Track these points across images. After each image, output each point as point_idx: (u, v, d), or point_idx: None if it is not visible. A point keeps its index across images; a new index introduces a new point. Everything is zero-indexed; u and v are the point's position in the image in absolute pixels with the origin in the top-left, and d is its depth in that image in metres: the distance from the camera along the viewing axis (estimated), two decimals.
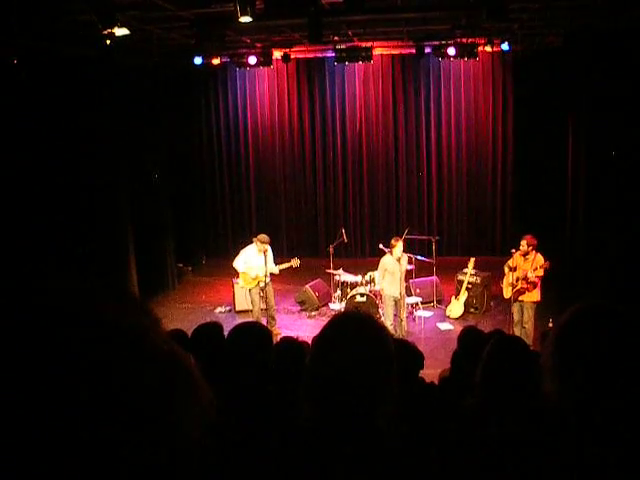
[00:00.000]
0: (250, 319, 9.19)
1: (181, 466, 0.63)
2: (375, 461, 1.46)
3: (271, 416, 2.60)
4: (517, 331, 8.60)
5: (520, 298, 8.72)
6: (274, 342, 3.67)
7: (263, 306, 9.97)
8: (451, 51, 11.39)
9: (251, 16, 6.97)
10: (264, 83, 14.38)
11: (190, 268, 13.78)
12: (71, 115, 9.60)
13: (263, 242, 9.66)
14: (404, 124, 14.19)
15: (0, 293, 0.63)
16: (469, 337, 4.46)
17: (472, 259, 10.89)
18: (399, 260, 9.24)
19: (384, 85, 14.08)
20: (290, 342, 4.11)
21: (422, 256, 10.91)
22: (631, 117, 9.39)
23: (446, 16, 9.51)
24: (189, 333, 4.23)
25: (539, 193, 12.67)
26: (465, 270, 10.82)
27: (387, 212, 14.53)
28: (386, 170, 14.37)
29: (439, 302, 11.24)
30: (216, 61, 12.60)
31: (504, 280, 8.99)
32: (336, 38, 10.98)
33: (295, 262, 10.18)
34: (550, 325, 7.96)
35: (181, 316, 10.52)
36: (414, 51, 12.21)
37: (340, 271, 10.87)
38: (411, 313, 10.59)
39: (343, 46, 11.81)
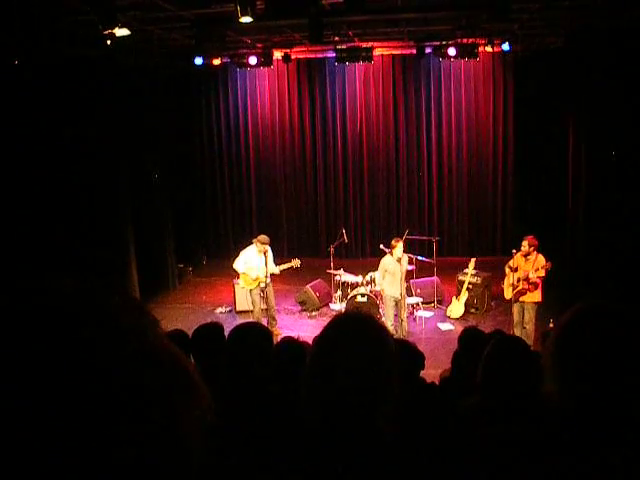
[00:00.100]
0: (251, 319, 9.18)
1: (180, 468, 0.63)
2: (376, 461, 1.46)
3: (272, 416, 2.60)
4: (517, 332, 8.59)
5: (521, 299, 8.71)
6: (275, 342, 3.67)
7: (264, 306, 9.98)
8: (452, 51, 11.39)
9: (251, 16, 6.97)
10: (264, 83, 14.38)
11: (191, 268, 13.78)
12: (71, 115, 9.61)
13: (263, 243, 9.66)
14: (404, 124, 14.19)
15: (0, 293, 0.63)
16: (470, 337, 4.45)
17: (473, 259, 10.89)
18: (399, 261, 9.24)
19: (385, 85, 14.08)
20: (291, 342, 4.11)
21: (423, 256, 10.91)
22: (631, 117, 9.39)
23: (447, 16, 9.51)
24: (190, 333, 4.23)
25: (539, 193, 12.67)
26: (466, 270, 10.82)
27: (387, 212, 14.53)
28: (387, 170, 14.37)
29: (440, 302, 11.23)
30: (216, 61, 12.61)
31: (505, 281, 8.98)
32: (337, 38, 10.97)
33: (295, 262, 10.18)
34: (551, 325, 7.95)
35: (181, 316, 10.52)
36: (415, 51, 12.21)
37: (341, 271, 10.87)
38: (412, 313, 10.59)
39: (344, 46, 11.81)
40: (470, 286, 10.69)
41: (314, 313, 11.02)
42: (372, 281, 10.32)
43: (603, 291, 8.92)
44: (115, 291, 0.68)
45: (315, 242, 14.58)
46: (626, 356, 1.38)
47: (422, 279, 11.34)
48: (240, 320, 9.30)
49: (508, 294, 8.87)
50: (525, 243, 8.59)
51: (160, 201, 12.56)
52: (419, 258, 10.71)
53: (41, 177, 8.98)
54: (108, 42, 8.01)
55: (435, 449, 1.90)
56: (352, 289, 10.59)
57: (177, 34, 10.03)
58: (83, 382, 0.56)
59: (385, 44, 12.61)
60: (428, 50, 12.14)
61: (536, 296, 8.66)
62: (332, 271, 11.00)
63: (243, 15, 6.93)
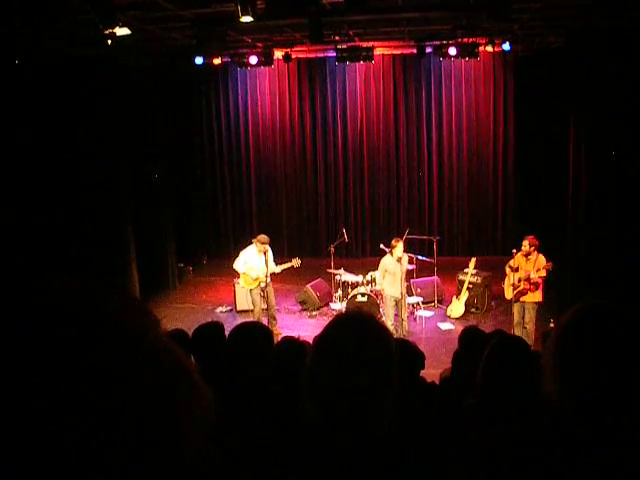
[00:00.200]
0: (251, 319, 9.20)
1: (181, 467, 0.63)
2: (376, 460, 1.46)
3: (272, 415, 2.60)
4: (517, 332, 8.58)
5: (522, 299, 8.70)
6: (275, 342, 3.67)
7: (264, 306, 9.98)
8: (452, 51, 11.39)
9: (252, 16, 6.97)
10: (265, 83, 14.38)
11: (191, 268, 13.79)
12: (72, 115, 9.61)
13: (263, 243, 9.66)
14: (405, 124, 14.19)
15: (0, 293, 0.63)
16: (470, 337, 4.45)
17: (473, 259, 10.89)
18: (399, 260, 9.24)
19: (385, 85, 14.08)
20: (291, 342, 4.11)
21: (423, 256, 10.91)
22: (632, 117, 9.38)
23: (447, 16, 9.50)
24: (190, 333, 4.23)
25: (540, 193, 12.66)
26: (466, 270, 10.82)
27: (388, 212, 14.54)
28: (387, 170, 14.38)
29: (440, 302, 11.23)
30: (217, 61, 12.61)
31: (505, 281, 8.98)
32: (337, 38, 10.97)
33: (296, 262, 10.18)
34: (551, 325, 7.96)
35: (182, 316, 10.53)
36: (415, 51, 12.20)
37: (341, 271, 10.87)
38: (412, 313, 10.59)
39: (344, 46, 11.80)
40: (470, 286, 10.69)
41: (314, 313, 11.02)
42: (372, 281, 10.32)
43: (603, 291, 8.91)
44: (116, 291, 0.68)
45: (315, 241, 14.58)
46: (626, 356, 1.38)
47: (422, 279, 11.34)
48: (240, 320, 9.29)
49: (509, 294, 8.87)
50: (526, 243, 8.58)
51: (160, 201, 12.56)
52: (419, 257, 10.71)
53: (41, 177, 8.98)
54: (108, 42, 8.01)
55: (435, 449, 1.90)
56: (352, 289, 10.59)
57: (177, 34, 10.02)
58: (83, 382, 0.56)
59: (385, 44, 12.60)
60: (428, 50, 12.13)
61: (537, 296, 8.66)
62: (332, 271, 11.00)
63: (243, 14, 6.93)
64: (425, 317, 10.56)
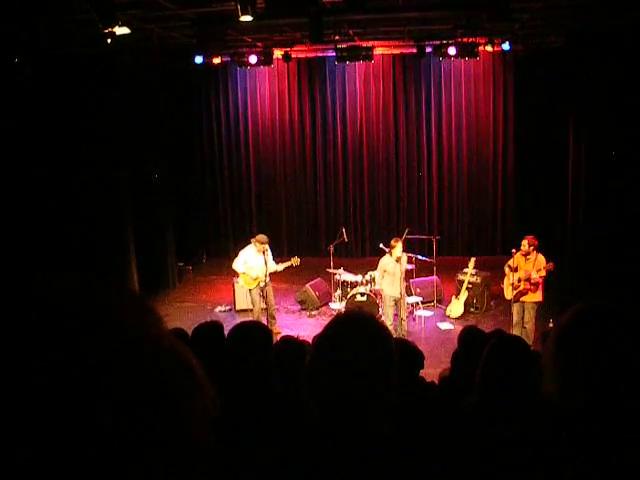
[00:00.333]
0: (250, 318, 9.19)
1: (186, 465, 0.63)
2: (375, 460, 1.46)
3: (271, 415, 2.60)
4: (517, 332, 8.57)
5: (522, 299, 8.70)
6: (274, 341, 3.67)
7: (263, 305, 9.98)
8: (452, 51, 11.39)
9: (252, 15, 6.97)
10: (265, 82, 14.38)
11: (190, 267, 13.78)
12: (72, 114, 9.60)
13: (262, 242, 9.65)
14: (405, 124, 14.19)
15: (1, 292, 0.63)
16: (469, 337, 4.45)
17: (472, 259, 10.89)
18: (399, 260, 9.24)
19: (385, 85, 14.08)
20: (290, 341, 4.11)
21: (422, 256, 10.90)
22: (632, 117, 9.39)
23: (447, 16, 9.51)
24: (189, 332, 4.24)
25: (539, 193, 12.66)
26: (465, 270, 10.82)
27: (387, 211, 14.54)
28: (387, 169, 14.38)
29: (439, 302, 11.23)
30: (217, 60, 12.60)
31: (505, 280, 8.97)
32: (337, 37, 10.96)
33: (295, 260, 10.17)
34: (550, 325, 7.95)
35: (181, 315, 10.53)
36: (415, 51, 12.20)
37: (340, 270, 10.87)
38: (411, 313, 10.59)
39: (344, 45, 11.80)
40: (470, 285, 10.69)
41: (314, 312, 11.02)
42: (372, 280, 10.32)
43: (603, 291, 8.92)
44: (117, 288, 0.68)
45: (315, 241, 14.58)
46: (626, 356, 1.38)
47: (422, 278, 11.34)
48: (240, 319, 9.30)
49: (508, 294, 8.86)
50: (525, 242, 8.57)
51: (161, 200, 12.56)
52: (419, 257, 10.71)
53: (41, 176, 8.97)
54: (108, 41, 8.01)
55: (435, 449, 1.90)
56: (352, 288, 10.59)
57: (177, 33, 10.03)
58: (86, 381, 0.56)
59: (385, 43, 12.60)
60: (428, 49, 12.13)
61: (537, 296, 8.65)
62: (332, 270, 11.00)
63: (243, 14, 6.93)
64: (424, 317, 10.56)
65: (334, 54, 12.20)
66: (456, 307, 10.63)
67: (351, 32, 10.86)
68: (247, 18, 7.00)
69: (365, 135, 14.31)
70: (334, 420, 1.49)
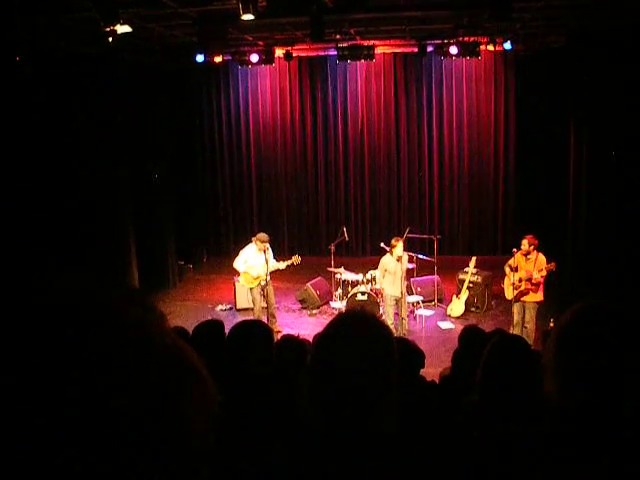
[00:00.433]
0: (251, 317, 9.20)
1: (187, 463, 0.63)
2: (376, 460, 1.46)
3: (272, 414, 2.60)
4: (517, 331, 8.56)
5: (523, 298, 8.69)
6: (275, 340, 3.67)
7: (264, 304, 9.98)
8: (453, 50, 11.38)
9: (253, 14, 6.97)
10: (266, 81, 14.37)
11: (191, 266, 13.79)
12: (72, 113, 9.60)
13: (263, 241, 9.65)
14: (406, 123, 14.18)
15: (2, 292, 0.63)
16: (470, 336, 4.46)
17: (473, 258, 10.88)
18: (399, 260, 9.24)
19: (386, 84, 14.07)
20: (291, 340, 4.12)
21: (423, 255, 10.90)
22: (632, 117, 9.38)
23: (448, 15, 9.50)
24: (190, 331, 4.24)
25: (540, 192, 12.66)
26: (466, 269, 10.81)
27: (388, 210, 14.53)
28: (388, 168, 14.37)
29: (440, 301, 11.23)
30: (218, 59, 12.60)
31: (505, 280, 8.97)
32: (338, 36, 10.96)
33: (296, 259, 10.17)
34: (551, 325, 7.95)
35: (182, 314, 10.53)
36: (416, 50, 12.19)
37: (341, 269, 10.87)
38: (412, 312, 10.58)
39: (345, 44, 11.79)
40: (470, 285, 10.68)
41: (314, 311, 11.02)
42: (372, 279, 10.33)
43: (603, 291, 8.92)
44: (120, 286, 0.68)
45: (316, 240, 14.58)
46: (626, 356, 1.39)
47: (422, 277, 11.34)
48: (240, 318, 9.31)
49: (509, 294, 8.85)
50: (525, 242, 8.56)
51: (161, 199, 12.56)
52: (420, 256, 10.71)
53: (41, 176, 8.97)
54: (109, 39, 8.01)
55: (435, 448, 1.90)
56: (352, 287, 10.59)
57: (179, 31, 10.02)
58: (89, 379, 0.56)
59: (387, 42, 12.58)
60: (430, 49, 12.12)
61: (538, 295, 8.64)
62: (333, 269, 11.00)
63: (245, 12, 6.93)
64: (425, 316, 10.56)
65: (335, 53, 12.20)
66: (457, 306, 10.63)
67: (352, 31, 10.85)
68: (248, 17, 7.00)
69: (366, 134, 14.31)
70: (335, 419, 1.49)
